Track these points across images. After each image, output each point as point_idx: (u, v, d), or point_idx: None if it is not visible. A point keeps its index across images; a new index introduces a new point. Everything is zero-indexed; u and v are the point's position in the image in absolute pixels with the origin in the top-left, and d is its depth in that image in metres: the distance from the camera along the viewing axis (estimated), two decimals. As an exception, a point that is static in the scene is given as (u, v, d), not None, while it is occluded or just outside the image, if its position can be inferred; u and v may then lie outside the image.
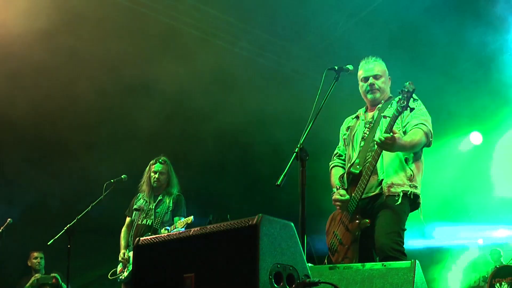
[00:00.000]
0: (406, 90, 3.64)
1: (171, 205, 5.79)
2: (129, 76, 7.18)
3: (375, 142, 3.74)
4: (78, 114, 7.45)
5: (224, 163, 8.76)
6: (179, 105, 7.64)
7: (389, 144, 3.64)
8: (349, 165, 4.09)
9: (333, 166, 4.35)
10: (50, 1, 6.13)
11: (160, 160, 5.89)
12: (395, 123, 3.88)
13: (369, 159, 3.88)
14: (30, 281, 7.34)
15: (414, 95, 3.70)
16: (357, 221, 3.87)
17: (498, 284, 6.70)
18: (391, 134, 3.62)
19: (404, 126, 3.94)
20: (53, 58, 6.58)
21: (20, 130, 7.15)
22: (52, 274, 7.49)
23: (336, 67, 3.81)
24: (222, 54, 7.60)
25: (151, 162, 5.93)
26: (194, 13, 7.27)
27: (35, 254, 7.64)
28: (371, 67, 4.17)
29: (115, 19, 6.63)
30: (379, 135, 3.73)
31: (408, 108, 3.65)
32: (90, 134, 7.60)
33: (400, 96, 3.69)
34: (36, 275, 7.47)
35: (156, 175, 5.82)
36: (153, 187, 5.84)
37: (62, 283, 7.48)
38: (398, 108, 3.66)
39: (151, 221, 5.71)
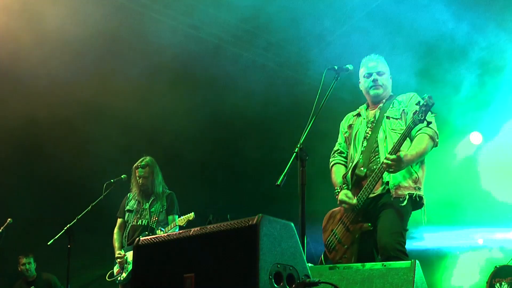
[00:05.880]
0: (424, 103, 3.64)
1: (164, 203, 5.80)
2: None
3: (383, 163, 3.74)
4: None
5: (223, 162, 8.76)
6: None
7: (396, 165, 3.68)
8: (351, 165, 4.09)
9: (335, 163, 4.32)
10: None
11: (142, 164, 5.85)
12: (399, 120, 3.96)
13: (374, 161, 3.91)
14: None
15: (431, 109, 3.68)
16: (359, 224, 3.88)
17: (498, 284, 6.69)
18: (396, 155, 3.65)
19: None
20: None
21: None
22: None
23: (336, 67, 3.80)
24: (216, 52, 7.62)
25: (134, 166, 5.90)
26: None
27: (23, 260, 7.59)
28: (374, 64, 4.19)
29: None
30: (385, 154, 3.77)
31: (425, 122, 3.67)
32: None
33: (417, 108, 3.69)
34: None
35: (141, 180, 5.82)
36: (141, 190, 5.85)
37: None
38: (415, 121, 3.68)
39: (146, 221, 5.70)
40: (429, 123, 3.70)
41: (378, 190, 3.89)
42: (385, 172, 3.83)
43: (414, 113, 3.72)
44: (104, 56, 6.95)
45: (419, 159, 3.89)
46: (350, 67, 3.87)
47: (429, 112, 3.67)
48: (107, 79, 7.13)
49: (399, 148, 3.72)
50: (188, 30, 7.27)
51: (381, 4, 7.03)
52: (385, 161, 3.70)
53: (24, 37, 6.36)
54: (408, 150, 3.80)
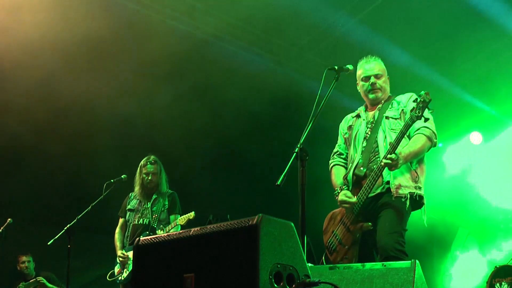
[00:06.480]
0: (422, 100, 3.65)
1: (166, 203, 5.81)
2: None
3: (381, 164, 3.75)
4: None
5: (223, 162, 8.75)
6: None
7: (394, 165, 3.69)
8: (351, 165, 4.10)
9: (334, 165, 4.32)
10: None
11: (151, 160, 5.88)
12: (399, 120, 3.94)
13: (374, 160, 3.91)
14: None
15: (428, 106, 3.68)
16: (360, 223, 3.87)
17: (498, 284, 6.69)
18: (394, 154, 3.67)
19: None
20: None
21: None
22: (38, 278, 7.49)
23: (336, 67, 3.81)
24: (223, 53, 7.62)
25: (141, 163, 5.91)
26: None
27: (23, 258, 7.63)
28: (372, 66, 4.17)
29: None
30: (384, 155, 3.75)
31: (423, 118, 3.67)
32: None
33: (414, 104, 3.70)
34: (20, 284, 7.48)
35: (149, 177, 5.82)
36: (146, 187, 5.84)
37: (51, 285, 7.48)
38: (413, 117, 3.68)
39: (148, 220, 5.71)
40: (426, 119, 3.71)
41: (378, 189, 3.90)
42: (386, 172, 3.84)
43: (411, 110, 3.73)
44: (102, 55, 6.95)
45: (415, 158, 3.88)
46: (350, 67, 3.88)
47: (426, 109, 3.67)
48: (106, 79, 7.12)
49: (397, 146, 3.73)
50: (185, 28, 7.25)
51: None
52: (384, 160, 3.71)
53: (14, 37, 6.36)
54: (403, 148, 3.80)
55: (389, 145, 3.76)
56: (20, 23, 6.22)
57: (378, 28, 7.21)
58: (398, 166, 3.74)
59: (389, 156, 3.68)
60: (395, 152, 3.69)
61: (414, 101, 3.72)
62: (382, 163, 3.72)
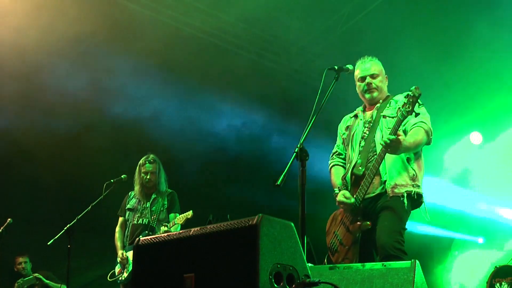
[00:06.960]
0: (411, 95, 3.65)
1: (165, 202, 5.79)
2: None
3: (380, 144, 3.75)
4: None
5: (223, 162, 8.75)
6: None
7: (395, 147, 3.66)
8: (349, 165, 4.10)
9: (333, 165, 4.32)
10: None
11: (150, 159, 5.85)
12: (395, 119, 3.91)
13: (372, 160, 3.89)
14: None
15: (419, 100, 3.69)
16: (358, 222, 3.87)
17: (498, 284, 6.70)
18: (396, 136, 3.64)
19: (404, 125, 3.91)
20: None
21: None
22: (35, 275, 7.49)
23: (336, 67, 3.81)
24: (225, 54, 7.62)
25: (140, 162, 5.87)
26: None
27: (19, 259, 7.62)
28: (368, 67, 4.18)
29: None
30: (384, 137, 3.73)
31: (413, 113, 3.67)
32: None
33: (405, 100, 3.69)
34: (18, 280, 7.47)
35: (148, 176, 5.79)
36: (145, 186, 5.83)
37: (49, 282, 7.48)
38: (404, 113, 3.67)
39: (147, 219, 5.70)
40: (417, 114, 3.71)
41: (378, 189, 3.90)
42: (383, 171, 3.84)
43: (402, 106, 3.72)
44: (99, 55, 6.95)
45: (414, 149, 3.87)
46: (350, 67, 3.89)
47: (417, 104, 3.67)
48: (105, 79, 7.12)
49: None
50: (183, 28, 7.25)
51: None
52: (385, 139, 3.68)
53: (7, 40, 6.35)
54: (407, 137, 3.79)
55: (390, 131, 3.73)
56: (9, 21, 6.21)
57: (378, 27, 7.21)
58: (398, 151, 3.72)
59: (390, 137, 3.64)
60: (400, 138, 3.65)
61: (405, 97, 3.73)
62: (382, 144, 3.68)
